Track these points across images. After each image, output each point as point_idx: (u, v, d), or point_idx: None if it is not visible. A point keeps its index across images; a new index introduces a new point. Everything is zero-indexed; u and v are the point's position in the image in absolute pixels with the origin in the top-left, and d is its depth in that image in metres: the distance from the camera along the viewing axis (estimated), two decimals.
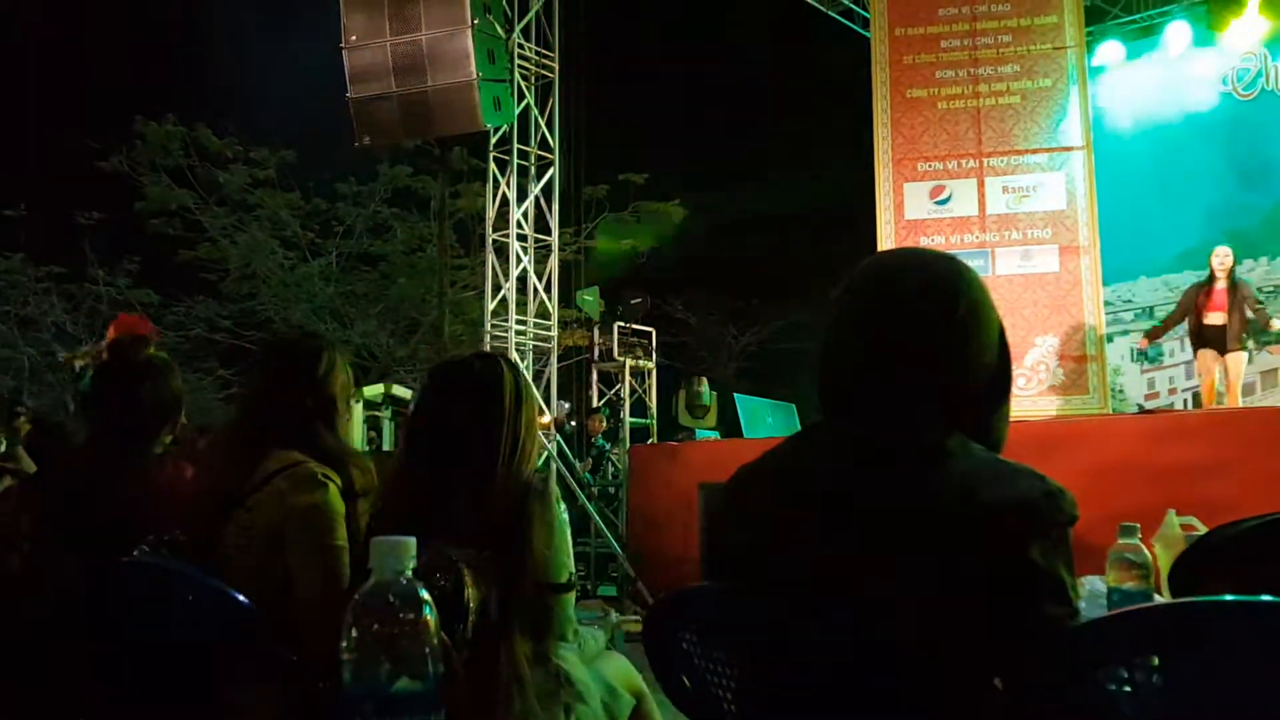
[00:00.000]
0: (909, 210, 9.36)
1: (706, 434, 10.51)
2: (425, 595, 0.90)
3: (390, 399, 10.57)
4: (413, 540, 0.92)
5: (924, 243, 9.25)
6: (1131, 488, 5.10)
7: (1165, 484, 5.16)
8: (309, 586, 1.98)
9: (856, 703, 1.20)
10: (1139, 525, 1.88)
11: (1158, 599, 1.45)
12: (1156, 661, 0.99)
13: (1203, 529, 1.63)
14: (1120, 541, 1.85)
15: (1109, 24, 10.37)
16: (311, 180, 16.76)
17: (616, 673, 2.13)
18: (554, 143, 9.49)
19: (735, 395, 8.81)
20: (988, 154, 9.27)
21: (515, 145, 9.21)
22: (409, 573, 0.90)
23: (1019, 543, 1.19)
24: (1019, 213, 9.14)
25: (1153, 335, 9.06)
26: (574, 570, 2.07)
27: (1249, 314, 8.04)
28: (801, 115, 18.70)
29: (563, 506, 1.99)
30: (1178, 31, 10.00)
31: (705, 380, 11.36)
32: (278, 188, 16.66)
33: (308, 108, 13.43)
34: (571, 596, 2.02)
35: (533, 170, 9.40)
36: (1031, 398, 8.74)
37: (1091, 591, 1.88)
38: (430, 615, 0.88)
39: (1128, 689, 1.06)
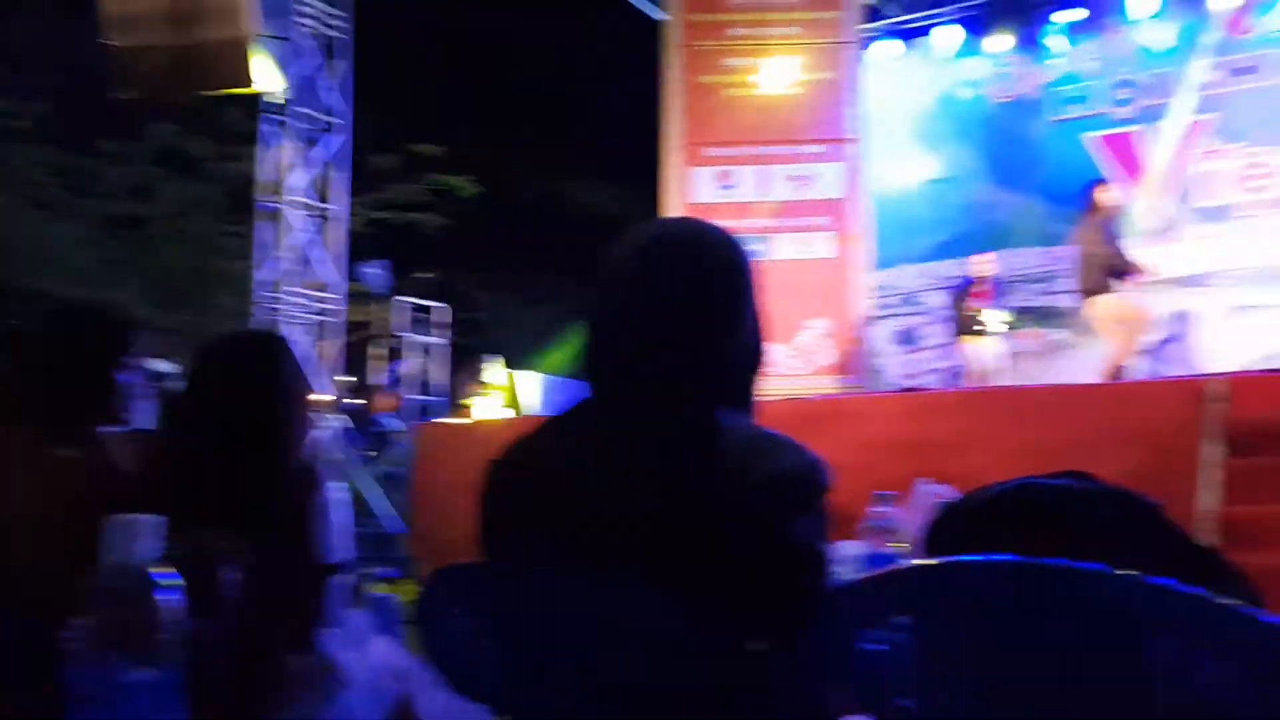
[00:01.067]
0: (696, 194, 9.57)
1: (496, 414, 10.44)
2: (167, 580, 0.83)
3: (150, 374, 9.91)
4: (152, 521, 0.85)
5: None
6: (892, 461, 5.39)
7: (923, 457, 5.48)
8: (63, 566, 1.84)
9: (624, 678, 1.20)
10: (895, 494, 1.99)
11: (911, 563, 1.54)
12: (910, 620, 1.04)
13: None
14: (875, 509, 1.95)
15: (885, 22, 10.89)
16: (70, 136, 15.46)
17: (383, 657, 2.08)
18: (340, 107, 9.12)
19: (529, 374, 8.78)
20: (770, 142, 9.58)
21: (298, 108, 8.79)
22: (148, 555, 0.83)
23: (782, 514, 1.23)
24: (799, 200, 9.50)
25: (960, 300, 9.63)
26: (346, 553, 2.00)
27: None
28: (596, 94, 18.77)
29: (335, 487, 1.92)
30: (945, 34, 10.63)
31: (498, 359, 11.25)
32: (28, 143, 15.29)
33: (71, 57, 12.36)
34: (341, 580, 1.95)
35: (317, 134, 9.00)
36: (804, 377, 9.13)
37: (849, 557, 1.98)
38: (172, 600, 0.82)
39: (884, 647, 1.10)
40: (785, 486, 1.24)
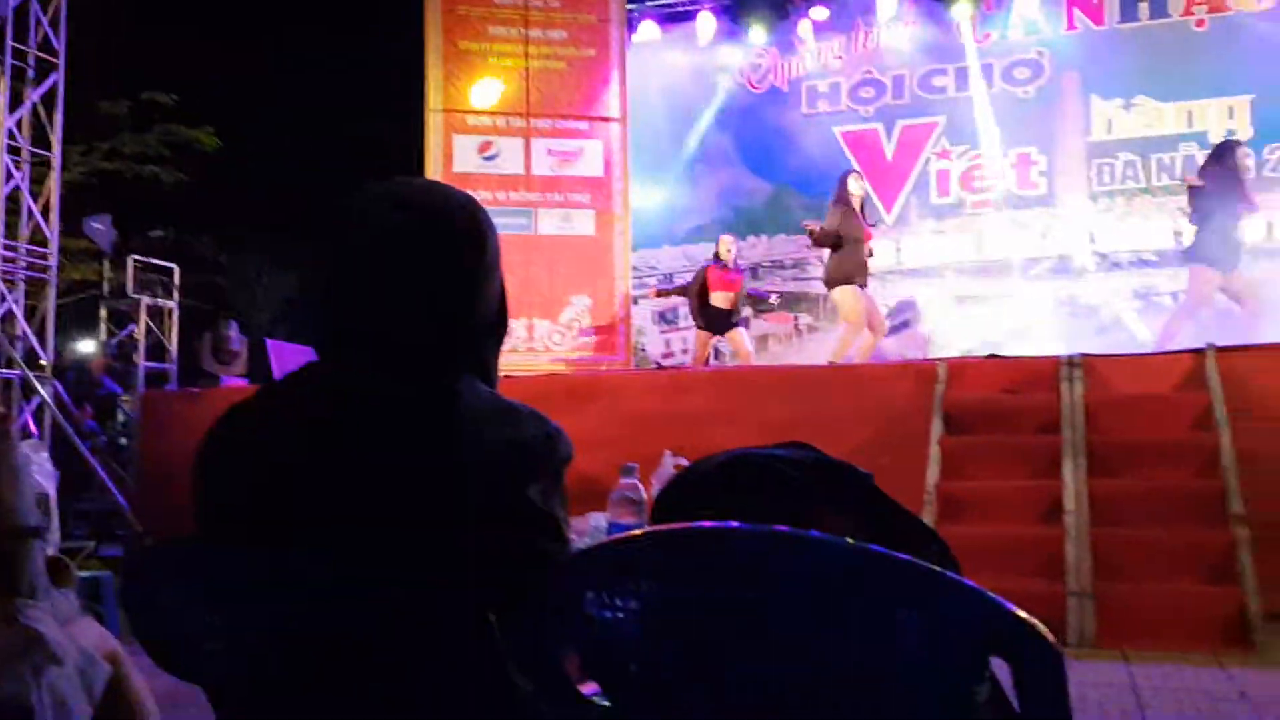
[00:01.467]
0: (458, 163, 9.40)
1: (235, 381, 9.89)
2: None
3: None
4: None
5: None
6: (649, 435, 5.50)
7: (677, 432, 5.62)
8: None
9: (344, 649, 1.15)
10: (638, 465, 2.01)
11: None
12: (635, 586, 1.05)
13: None
14: (622, 481, 1.96)
15: (651, 4, 11.05)
16: None
17: (91, 637, 1.92)
18: (59, 45, 8.30)
19: (268, 341, 8.38)
20: (535, 115, 9.55)
21: (9, 43, 7.94)
22: None
23: (520, 481, 1.21)
24: (561, 176, 9.52)
25: (661, 293, 9.94)
26: (40, 520, 1.82)
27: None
28: (354, 54, 18.07)
29: (34, 451, 1.76)
30: (706, 22, 10.89)
31: (235, 324, 10.64)
32: None
33: None
34: (40, 550, 1.78)
35: (30, 74, 8.15)
36: (565, 352, 9.19)
37: (595, 528, 1.99)
38: None
39: (612, 614, 1.11)
40: (523, 454, 1.22)
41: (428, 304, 1.27)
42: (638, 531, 1.04)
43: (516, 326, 9.36)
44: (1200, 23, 9.63)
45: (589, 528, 2.02)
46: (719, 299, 8.94)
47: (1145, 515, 5.34)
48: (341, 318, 1.28)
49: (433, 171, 9.25)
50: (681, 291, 9.44)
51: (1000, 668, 0.96)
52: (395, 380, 1.23)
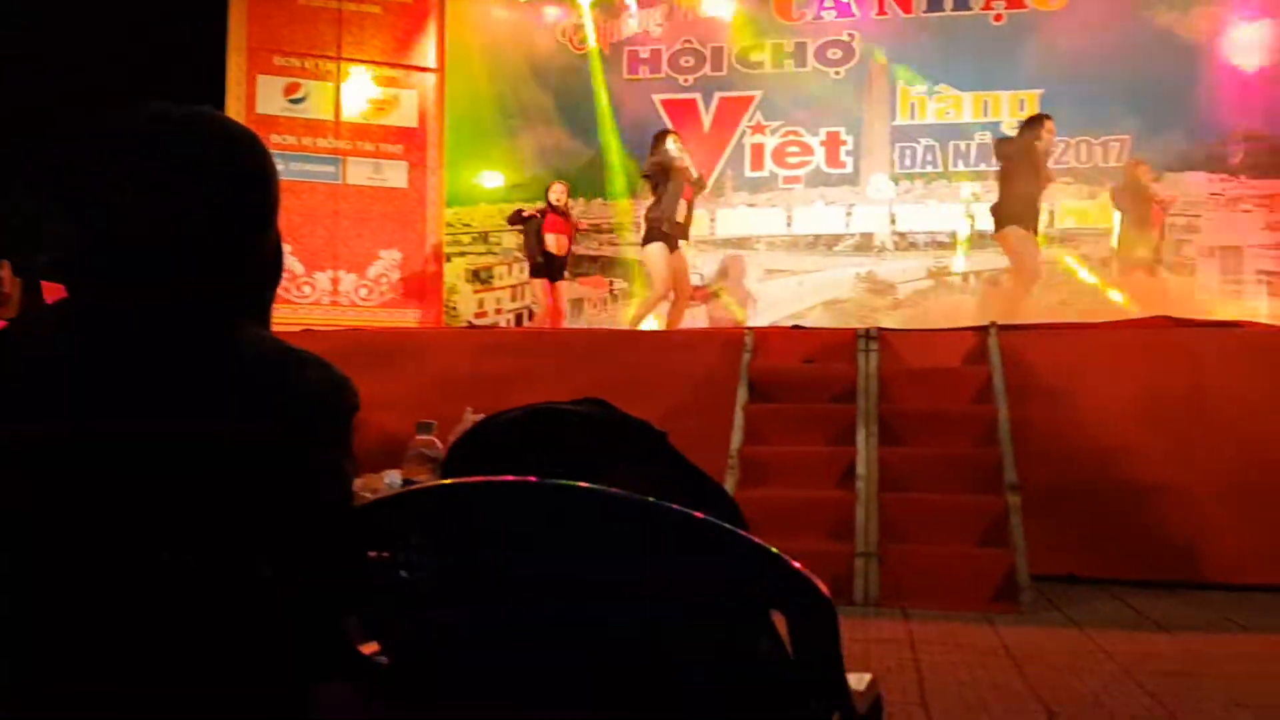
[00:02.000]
0: (261, 104, 8.96)
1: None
2: None
3: None
4: None
5: (275, 141, 8.93)
6: (455, 395, 5.40)
7: (484, 392, 5.55)
8: None
9: (115, 612, 1.07)
10: (435, 422, 1.96)
11: None
12: (419, 542, 1.02)
13: None
14: (417, 438, 1.91)
15: None
16: None
17: None
18: None
19: (44, 282, 7.75)
20: (346, 60, 9.18)
21: None
22: None
23: (304, 430, 1.15)
24: (373, 124, 9.21)
25: (513, 221, 9.68)
26: None
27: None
28: None
29: None
30: None
31: (8, 264, 9.80)
32: None
33: None
34: None
35: None
36: (372, 308, 8.94)
37: (390, 485, 1.94)
38: None
39: (397, 571, 1.07)
40: (307, 403, 1.16)
41: (207, 236, 1.17)
42: (419, 486, 1.01)
43: (321, 279, 9.03)
44: (998, 17, 10.16)
45: (384, 486, 1.96)
46: (552, 243, 8.98)
47: (929, 481, 5.66)
48: (105, 248, 1.17)
49: (233, 111, 8.77)
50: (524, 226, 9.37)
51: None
52: (166, 319, 1.14)
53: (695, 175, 8.77)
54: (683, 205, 8.38)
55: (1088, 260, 9.59)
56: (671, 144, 8.50)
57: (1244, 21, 9.49)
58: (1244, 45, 9.45)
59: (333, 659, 1.18)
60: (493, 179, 10.55)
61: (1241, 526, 5.53)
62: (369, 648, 1.17)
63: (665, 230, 8.34)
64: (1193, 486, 5.62)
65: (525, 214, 9.38)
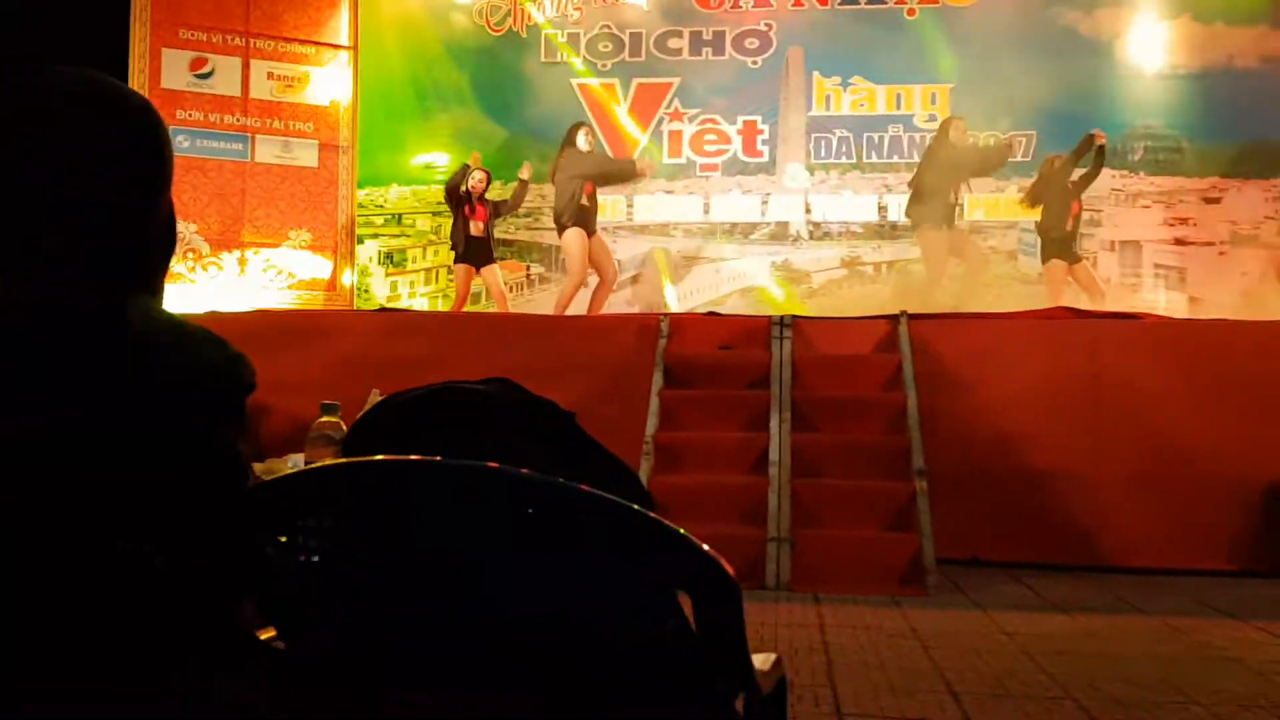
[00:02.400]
0: (165, 78, 8.67)
1: None
2: None
3: None
4: None
5: (180, 117, 8.67)
6: (364, 378, 5.30)
7: (395, 376, 5.45)
8: None
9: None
10: (339, 404, 1.91)
11: None
12: (318, 522, 0.98)
13: None
14: (320, 419, 1.86)
15: None
16: None
17: None
18: None
19: None
20: (255, 35, 8.94)
21: None
22: None
23: (196, 410, 1.10)
24: (283, 102, 8.99)
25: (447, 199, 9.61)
26: None
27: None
28: None
29: None
30: None
31: None
32: None
33: None
34: None
35: None
36: (282, 290, 8.74)
37: (293, 468, 1.88)
38: None
39: (293, 553, 1.04)
40: (199, 380, 1.11)
41: (103, 210, 1.12)
42: (316, 465, 0.98)
43: (228, 260, 8.80)
44: (911, 11, 10.31)
45: (287, 469, 1.91)
46: (474, 228, 8.92)
47: (840, 467, 5.74)
48: None
49: (136, 85, 8.48)
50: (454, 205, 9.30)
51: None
52: (48, 289, 1.09)
53: (606, 164, 8.81)
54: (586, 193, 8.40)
55: (996, 251, 9.81)
56: (582, 139, 8.53)
57: (1145, 23, 9.79)
58: (1144, 46, 9.75)
59: (229, 647, 1.14)
60: (407, 160, 10.38)
61: (1139, 512, 5.72)
62: (266, 633, 1.14)
63: (565, 222, 8.41)
64: (1092, 473, 5.80)
65: (461, 190, 9.29)
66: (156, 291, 1.18)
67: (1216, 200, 9.48)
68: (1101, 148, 8.89)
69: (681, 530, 0.92)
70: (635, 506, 0.95)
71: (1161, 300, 9.27)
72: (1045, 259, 9.08)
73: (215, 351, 1.12)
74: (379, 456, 0.97)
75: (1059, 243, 8.95)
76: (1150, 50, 9.73)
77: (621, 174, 9.71)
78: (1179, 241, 9.53)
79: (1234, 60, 9.49)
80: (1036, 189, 9.20)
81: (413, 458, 0.94)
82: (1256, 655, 3.95)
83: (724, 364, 6.55)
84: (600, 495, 0.94)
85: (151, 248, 1.17)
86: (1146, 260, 9.62)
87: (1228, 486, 5.71)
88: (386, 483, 0.95)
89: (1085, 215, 9.36)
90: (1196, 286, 9.34)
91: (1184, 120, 9.64)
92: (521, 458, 0.99)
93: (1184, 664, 3.83)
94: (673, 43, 10.68)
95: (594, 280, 9.22)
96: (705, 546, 0.92)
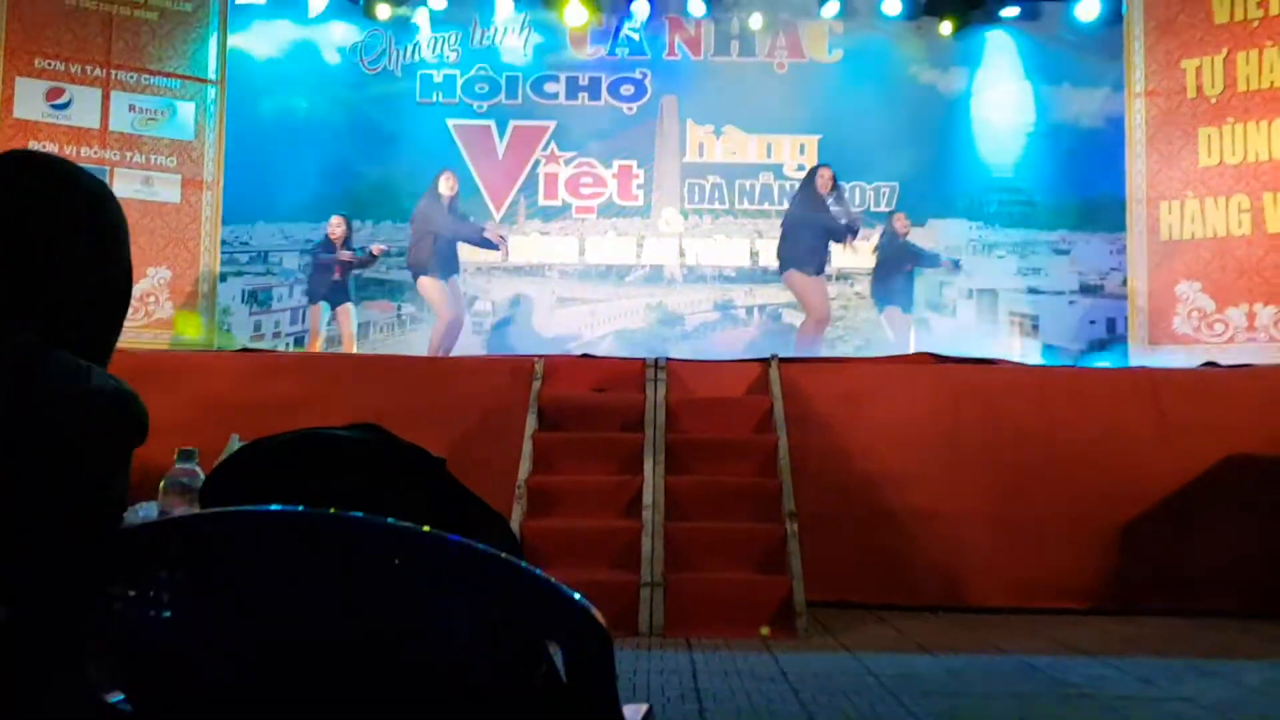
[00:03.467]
0: (19, 108, 8.30)
1: None
2: None
3: None
4: None
5: (34, 148, 8.30)
6: (226, 422, 5.13)
7: (259, 419, 5.28)
8: None
9: None
10: (198, 450, 1.84)
11: None
12: (170, 575, 0.93)
13: None
14: (176, 466, 1.79)
15: None
16: None
17: None
18: None
19: None
20: (117, 66, 8.64)
21: None
22: None
23: (71, 439, 1.05)
24: (144, 135, 8.70)
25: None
26: None
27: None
28: None
29: None
30: None
31: None
32: None
33: None
34: None
35: None
36: (138, 329, 8.39)
37: (145, 518, 1.79)
38: None
39: (141, 608, 0.98)
40: (83, 406, 1.06)
41: (32, 257, 1.18)
42: (171, 516, 0.93)
43: None
44: (781, 65, 10.62)
45: (138, 520, 1.81)
46: (334, 271, 8.98)
47: (713, 509, 5.79)
48: None
49: None
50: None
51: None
52: None
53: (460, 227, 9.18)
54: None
55: (861, 298, 10.12)
56: (443, 184, 8.74)
57: (997, 82, 10.31)
58: (997, 104, 10.26)
59: (73, 710, 1.07)
60: (275, 197, 10.12)
61: (997, 553, 5.93)
62: (112, 695, 1.08)
63: (420, 269, 8.70)
64: (954, 514, 5.99)
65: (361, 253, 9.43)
66: (87, 349, 1.18)
67: (1066, 251, 10.00)
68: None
69: (552, 580, 0.91)
70: (504, 555, 0.93)
71: (1017, 346, 9.69)
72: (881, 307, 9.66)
73: (105, 381, 1.09)
74: (237, 507, 0.93)
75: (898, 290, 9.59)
76: (1002, 108, 10.24)
77: (471, 239, 9.97)
78: (1032, 290, 10.01)
79: (1080, 119, 10.07)
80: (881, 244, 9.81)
81: (273, 508, 0.90)
82: (1109, 690, 4.12)
83: (598, 406, 6.55)
84: (469, 544, 0.92)
85: (85, 310, 1.21)
86: (1002, 308, 10.06)
87: (1077, 526, 5.97)
88: (245, 534, 0.91)
89: (943, 264, 9.85)
90: (1049, 334, 9.81)
91: (1035, 175, 10.17)
92: (389, 506, 0.96)
93: (1043, 701, 3.96)
94: (549, 87, 10.75)
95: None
96: (577, 596, 0.91)
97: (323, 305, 9.80)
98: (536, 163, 10.67)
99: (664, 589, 5.21)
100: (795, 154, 10.42)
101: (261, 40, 10.21)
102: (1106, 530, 5.98)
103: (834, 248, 9.86)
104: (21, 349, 1.11)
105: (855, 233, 9.77)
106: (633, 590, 5.16)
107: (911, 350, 8.70)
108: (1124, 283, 9.11)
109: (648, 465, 5.87)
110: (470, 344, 9.77)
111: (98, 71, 8.55)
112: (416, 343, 9.73)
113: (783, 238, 9.64)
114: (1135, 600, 5.84)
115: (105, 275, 1.25)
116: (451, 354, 9.13)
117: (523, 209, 10.59)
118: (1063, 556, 5.90)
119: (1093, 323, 9.80)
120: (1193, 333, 8.35)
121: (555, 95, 10.75)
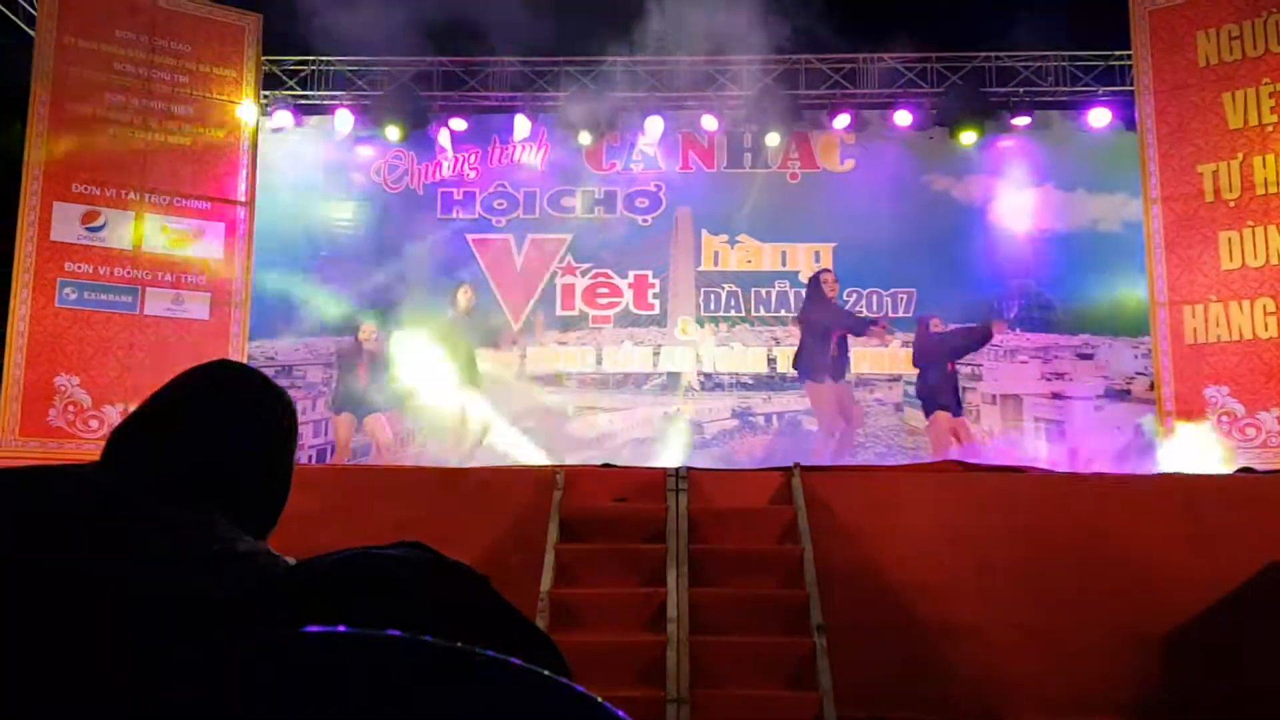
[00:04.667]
0: (56, 231, 8.54)
1: None
2: None
3: None
4: None
5: (69, 269, 8.52)
6: None
7: (283, 532, 5.28)
8: None
9: None
10: None
11: None
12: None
13: None
14: None
15: (286, 94, 10.70)
16: None
17: None
18: None
19: None
20: (150, 189, 8.90)
21: None
22: None
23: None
24: (175, 255, 8.90)
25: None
26: None
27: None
28: None
29: None
30: (344, 118, 10.69)
31: None
32: None
33: None
34: None
35: None
36: None
37: None
38: None
39: None
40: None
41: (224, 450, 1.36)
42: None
43: (110, 413, 8.50)
44: (794, 175, 10.84)
45: None
46: (363, 378, 9.04)
47: (739, 623, 5.68)
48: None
49: (25, 239, 8.33)
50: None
51: None
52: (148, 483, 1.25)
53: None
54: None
55: (883, 404, 10.10)
56: (461, 298, 9.00)
57: (1011, 189, 10.46)
58: (1013, 210, 10.39)
59: None
60: (299, 312, 10.30)
61: (1033, 666, 5.77)
62: None
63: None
64: (987, 626, 5.84)
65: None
66: (253, 527, 1.35)
67: (1089, 356, 10.00)
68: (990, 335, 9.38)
69: (604, 702, 0.90)
70: (553, 675, 0.93)
71: (1043, 451, 9.61)
72: (929, 412, 9.37)
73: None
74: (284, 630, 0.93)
75: (940, 399, 9.26)
76: (1018, 214, 10.37)
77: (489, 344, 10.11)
78: (1056, 395, 9.97)
79: (1098, 224, 10.18)
80: (915, 350, 9.58)
81: (318, 628, 0.91)
82: None
83: (620, 517, 6.50)
84: (518, 664, 0.91)
85: (257, 494, 1.39)
86: (1027, 413, 10.02)
87: (1114, 638, 5.82)
88: (299, 654, 0.91)
89: (965, 369, 9.75)
90: (1076, 438, 9.73)
91: (1054, 279, 10.23)
92: (435, 624, 0.96)
93: None
94: (566, 201, 10.98)
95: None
96: (624, 716, 0.90)
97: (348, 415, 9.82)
98: (554, 274, 10.83)
99: (690, 705, 5.09)
100: (810, 261, 10.55)
101: (289, 163, 10.50)
102: (1146, 643, 5.82)
103: (855, 353, 9.82)
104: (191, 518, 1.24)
105: (876, 321, 9.65)
106: (659, 707, 5.04)
107: (952, 455, 8.60)
108: (1151, 387, 9.06)
109: (671, 577, 5.79)
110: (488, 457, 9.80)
111: (132, 195, 8.80)
112: (438, 453, 9.76)
113: (800, 346, 9.57)
114: (1179, 716, 5.66)
115: (281, 469, 1.45)
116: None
117: (540, 319, 10.73)
118: (1100, 669, 5.75)
119: (1119, 428, 9.73)
120: (1224, 437, 8.27)
121: (571, 209, 10.98)
